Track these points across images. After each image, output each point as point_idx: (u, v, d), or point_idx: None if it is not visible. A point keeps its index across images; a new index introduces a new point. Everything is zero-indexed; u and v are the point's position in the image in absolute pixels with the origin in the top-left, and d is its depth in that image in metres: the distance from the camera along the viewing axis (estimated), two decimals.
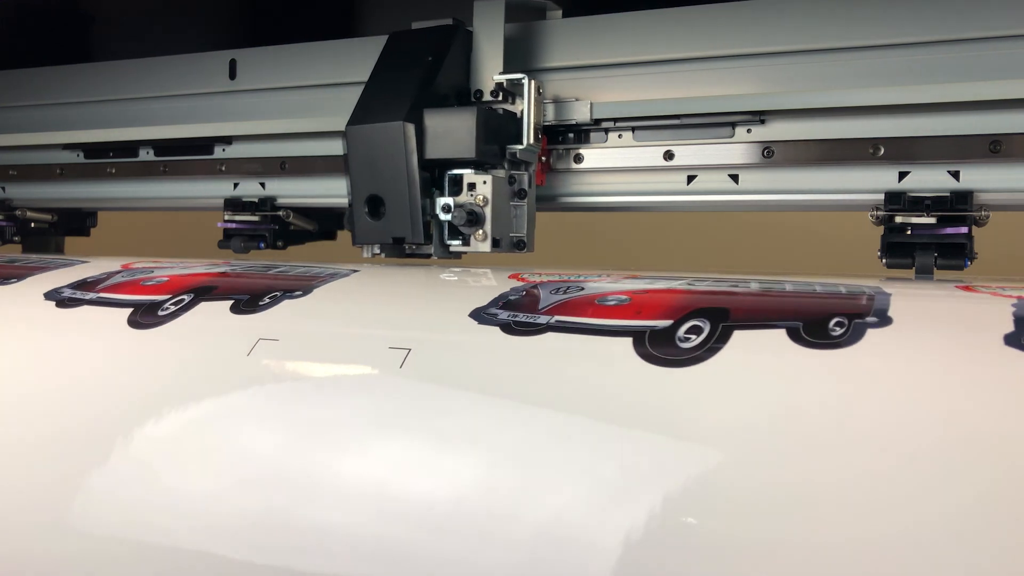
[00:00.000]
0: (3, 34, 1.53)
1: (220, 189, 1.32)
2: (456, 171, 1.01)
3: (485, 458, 0.64)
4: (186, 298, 0.85)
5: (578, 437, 0.62)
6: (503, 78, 1.04)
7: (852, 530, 0.53)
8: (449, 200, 1.01)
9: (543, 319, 0.71)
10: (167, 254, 1.14)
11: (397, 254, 1.05)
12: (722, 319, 0.67)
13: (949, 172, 0.93)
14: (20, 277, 1.00)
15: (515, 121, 1.03)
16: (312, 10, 1.37)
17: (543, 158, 1.07)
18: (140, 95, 1.39)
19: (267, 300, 0.82)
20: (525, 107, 1.02)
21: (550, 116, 1.07)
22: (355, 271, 0.92)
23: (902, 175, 0.95)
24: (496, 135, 1.01)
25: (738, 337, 0.64)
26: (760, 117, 0.99)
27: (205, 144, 1.31)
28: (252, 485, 0.67)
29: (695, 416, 0.61)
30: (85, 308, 0.88)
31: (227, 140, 1.30)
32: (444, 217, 1.01)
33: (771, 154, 1.00)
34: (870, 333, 0.62)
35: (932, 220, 0.93)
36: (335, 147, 1.22)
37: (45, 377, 0.82)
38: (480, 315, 0.74)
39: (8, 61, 1.50)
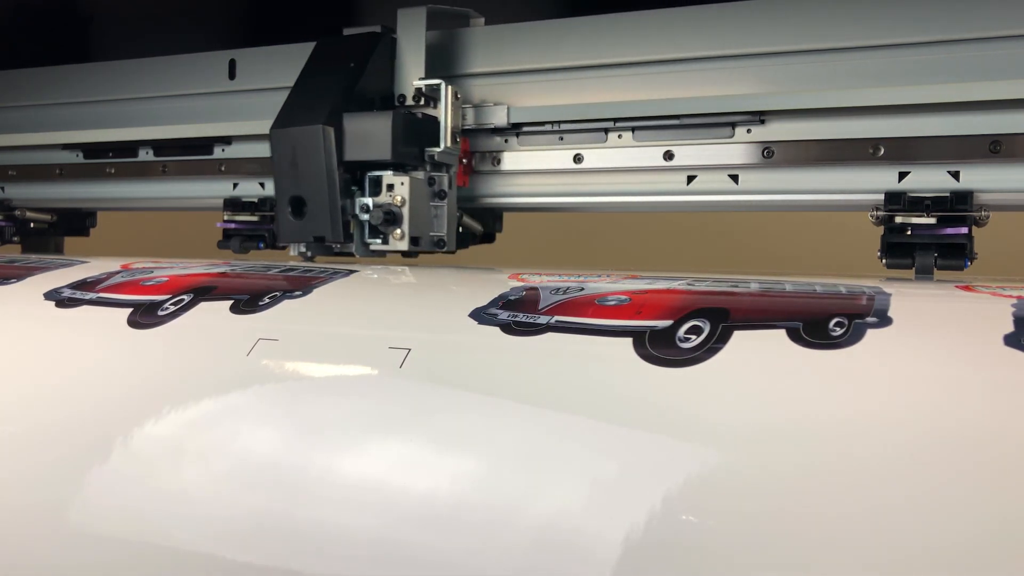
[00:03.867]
0: (3, 34, 1.53)
1: (219, 189, 1.32)
2: (375, 172, 1.04)
3: (485, 458, 0.63)
4: (186, 298, 0.85)
5: (578, 437, 0.62)
6: (422, 83, 1.07)
7: (852, 530, 0.53)
8: (368, 200, 1.04)
9: (543, 319, 0.71)
10: (167, 254, 1.14)
11: (324, 252, 1.09)
12: (722, 319, 0.66)
13: (949, 172, 0.93)
14: (20, 277, 1.00)
15: (435, 125, 1.06)
16: (312, 10, 1.37)
17: (464, 160, 1.10)
18: (140, 95, 1.39)
19: (267, 300, 0.82)
20: (442, 111, 1.05)
21: (470, 120, 1.10)
22: (354, 271, 0.92)
23: (902, 175, 0.95)
24: (417, 138, 1.05)
25: (738, 337, 0.64)
26: (760, 117, 0.99)
27: (204, 144, 1.31)
28: (252, 485, 0.67)
29: (695, 416, 0.61)
30: (85, 308, 0.88)
31: (227, 140, 1.30)
32: (363, 217, 1.04)
33: (771, 154, 1.00)
34: (870, 333, 0.62)
35: (932, 220, 0.93)
36: None
37: (45, 377, 0.82)
38: (480, 315, 0.74)
39: (8, 61, 1.50)
